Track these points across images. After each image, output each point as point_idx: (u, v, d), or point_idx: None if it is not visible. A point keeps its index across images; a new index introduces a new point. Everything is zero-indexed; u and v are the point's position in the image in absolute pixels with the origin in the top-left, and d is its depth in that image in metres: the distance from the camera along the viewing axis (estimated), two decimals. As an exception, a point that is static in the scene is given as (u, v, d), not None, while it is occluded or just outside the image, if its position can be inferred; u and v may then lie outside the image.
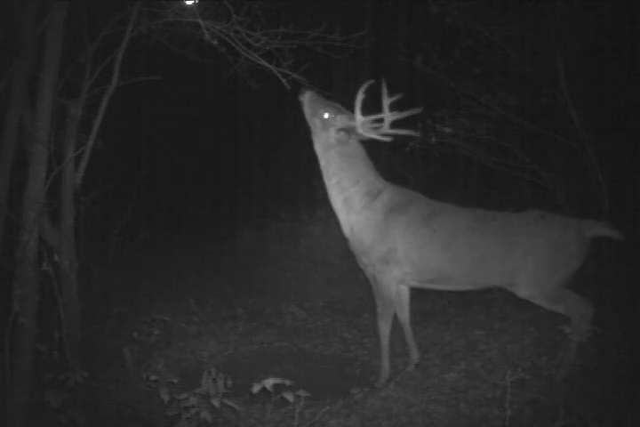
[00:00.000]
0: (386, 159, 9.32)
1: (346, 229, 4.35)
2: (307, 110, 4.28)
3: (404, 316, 4.46)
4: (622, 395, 3.77)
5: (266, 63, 4.17)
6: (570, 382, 4.02)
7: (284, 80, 4.19)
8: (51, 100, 3.70)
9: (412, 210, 4.20)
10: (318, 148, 4.29)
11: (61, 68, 3.81)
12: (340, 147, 4.21)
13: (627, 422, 3.52)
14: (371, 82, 4.12)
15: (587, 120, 5.97)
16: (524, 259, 4.05)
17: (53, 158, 3.76)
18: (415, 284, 4.33)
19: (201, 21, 3.90)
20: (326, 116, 4.20)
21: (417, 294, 4.83)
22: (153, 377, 3.48)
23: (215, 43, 4.14)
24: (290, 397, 3.14)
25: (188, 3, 4.29)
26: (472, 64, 6.42)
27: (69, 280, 4.12)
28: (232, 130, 12.67)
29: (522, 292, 4.13)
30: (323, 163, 4.29)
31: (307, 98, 4.27)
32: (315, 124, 4.25)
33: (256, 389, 3.12)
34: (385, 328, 4.30)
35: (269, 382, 3.10)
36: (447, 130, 6.56)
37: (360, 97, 4.08)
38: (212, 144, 12.62)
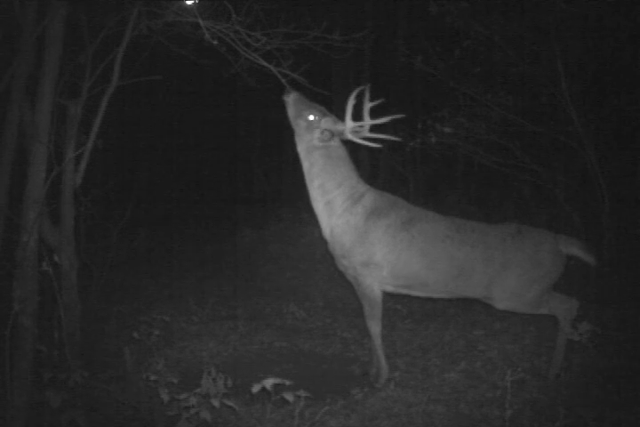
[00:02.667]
0: (386, 159, 9.34)
1: (326, 232, 4.31)
2: (291, 111, 4.23)
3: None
4: (622, 395, 3.77)
5: (265, 63, 4.17)
6: (570, 382, 4.02)
7: (283, 80, 4.18)
8: (51, 100, 3.69)
9: (392, 214, 4.17)
10: (302, 149, 4.24)
11: (61, 68, 3.81)
12: (323, 149, 4.17)
13: (627, 422, 3.52)
14: (362, 88, 4.11)
15: (587, 120, 5.98)
16: (499, 273, 4.06)
17: (53, 158, 3.75)
18: (390, 288, 4.28)
19: (201, 21, 3.90)
20: (311, 118, 4.16)
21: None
22: (153, 377, 3.48)
23: (215, 43, 4.13)
24: (290, 397, 3.14)
25: (188, 3, 4.28)
26: (472, 64, 6.42)
27: (69, 280, 4.12)
28: (232, 130, 12.68)
29: (499, 305, 4.16)
30: (306, 165, 4.24)
31: (292, 98, 4.22)
32: (299, 125, 4.20)
33: (256, 389, 3.11)
34: (376, 328, 4.27)
35: (269, 382, 3.10)
36: (447, 130, 6.57)
37: (351, 102, 4.08)
38: (211, 144, 12.63)
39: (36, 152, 3.66)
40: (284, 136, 12.66)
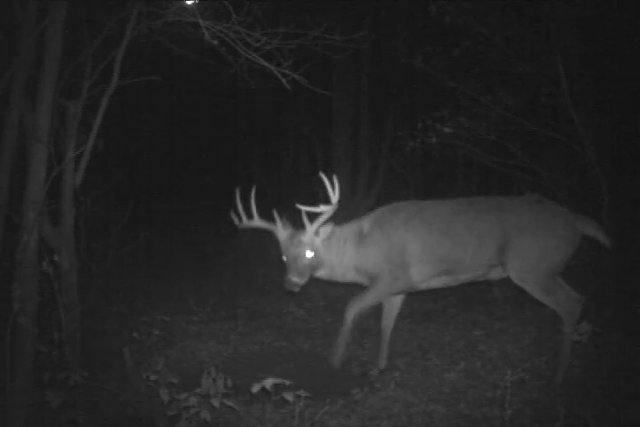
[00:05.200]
0: (385, 159, 9.33)
1: (357, 278, 4.52)
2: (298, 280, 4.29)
3: (390, 323, 4.65)
4: (622, 395, 3.77)
5: (266, 63, 4.16)
6: (570, 382, 4.02)
7: (283, 80, 4.18)
8: (51, 100, 3.69)
9: (400, 214, 4.41)
10: (326, 263, 4.39)
11: (61, 68, 3.81)
12: (329, 237, 4.34)
13: (627, 422, 3.52)
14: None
15: (587, 120, 5.98)
16: (515, 237, 4.17)
17: (53, 158, 3.75)
18: (435, 282, 4.41)
19: (201, 21, 3.89)
20: (309, 254, 4.29)
21: (417, 293, 4.83)
22: (153, 377, 3.48)
23: (215, 43, 4.13)
24: (290, 397, 3.15)
25: (188, 3, 4.28)
26: (472, 64, 6.42)
27: (69, 280, 4.12)
28: (232, 130, 12.67)
29: (514, 274, 4.22)
30: (327, 269, 4.42)
31: (294, 284, 4.29)
32: (304, 262, 4.29)
33: (256, 389, 3.12)
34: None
35: (269, 382, 3.10)
36: (447, 130, 6.57)
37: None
38: (211, 144, 12.62)
39: (36, 152, 3.66)
40: (284, 136, 12.66)
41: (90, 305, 5.38)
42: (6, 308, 3.52)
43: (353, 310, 4.39)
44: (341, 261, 4.42)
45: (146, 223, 8.47)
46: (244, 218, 4.47)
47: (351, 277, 4.52)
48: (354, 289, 6.37)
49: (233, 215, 4.51)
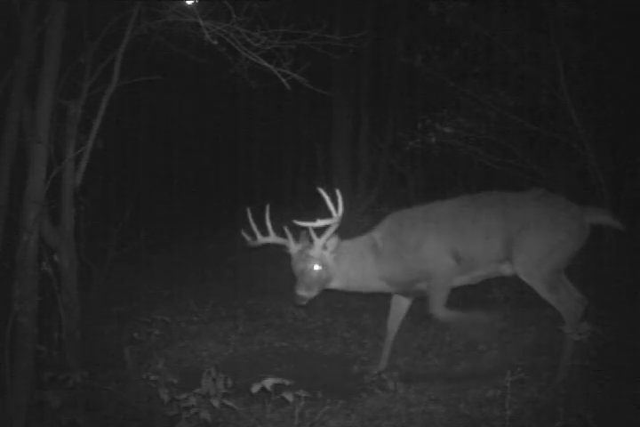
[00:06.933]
0: (385, 159, 9.33)
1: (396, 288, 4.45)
2: (311, 281, 4.20)
3: (396, 326, 4.64)
4: (622, 395, 3.77)
5: (266, 63, 4.16)
6: (570, 382, 4.02)
7: (283, 80, 4.18)
8: (51, 100, 3.69)
9: (406, 220, 4.41)
10: (339, 276, 4.29)
11: (61, 68, 3.81)
12: (339, 250, 4.25)
13: (627, 422, 3.52)
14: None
15: (587, 120, 5.98)
16: (520, 231, 4.14)
17: (53, 158, 3.75)
18: (464, 278, 4.38)
19: (201, 21, 3.89)
20: (316, 267, 4.19)
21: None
22: (153, 377, 3.48)
23: (215, 43, 4.13)
24: (290, 397, 3.15)
25: (188, 3, 4.28)
26: (472, 64, 6.43)
27: (69, 280, 4.11)
28: (232, 130, 12.69)
29: (519, 269, 4.18)
30: (342, 279, 4.33)
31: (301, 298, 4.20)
32: (314, 272, 4.20)
33: (256, 389, 3.12)
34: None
35: (269, 382, 3.11)
36: (447, 130, 6.57)
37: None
38: (211, 144, 12.64)
39: (36, 152, 3.66)
40: (284, 136, 12.67)
41: (90, 305, 5.39)
42: (6, 308, 3.52)
43: (441, 312, 4.32)
44: (363, 273, 4.34)
45: (146, 223, 8.47)
46: (259, 235, 4.39)
47: (375, 287, 4.44)
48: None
49: (244, 233, 4.42)
